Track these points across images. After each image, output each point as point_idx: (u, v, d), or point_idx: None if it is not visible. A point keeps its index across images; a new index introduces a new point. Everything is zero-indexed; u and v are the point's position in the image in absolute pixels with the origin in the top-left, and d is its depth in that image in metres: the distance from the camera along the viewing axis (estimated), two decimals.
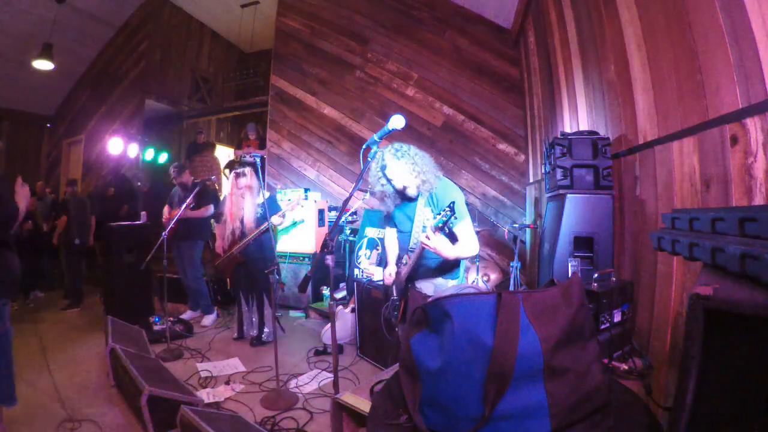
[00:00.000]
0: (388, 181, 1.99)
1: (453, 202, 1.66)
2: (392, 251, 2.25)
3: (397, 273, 2.14)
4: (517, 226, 3.70)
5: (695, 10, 1.44)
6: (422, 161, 1.94)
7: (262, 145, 6.12)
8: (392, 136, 1.77)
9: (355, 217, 4.57)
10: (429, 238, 1.72)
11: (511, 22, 4.53)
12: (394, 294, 2.16)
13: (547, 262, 2.13)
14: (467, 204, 2.15)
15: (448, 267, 2.04)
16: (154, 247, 3.31)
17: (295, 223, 4.37)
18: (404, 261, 2.09)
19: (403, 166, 1.91)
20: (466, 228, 1.92)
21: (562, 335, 0.76)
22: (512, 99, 4.69)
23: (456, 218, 1.75)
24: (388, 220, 2.23)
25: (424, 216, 1.99)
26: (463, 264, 2.14)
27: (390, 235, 2.28)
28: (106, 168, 7.02)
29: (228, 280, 3.78)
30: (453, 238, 1.89)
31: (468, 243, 1.91)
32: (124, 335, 2.83)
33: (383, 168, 1.98)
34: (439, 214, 1.67)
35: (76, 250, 4.78)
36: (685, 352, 0.75)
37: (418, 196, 2.00)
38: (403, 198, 2.04)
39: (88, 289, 4.92)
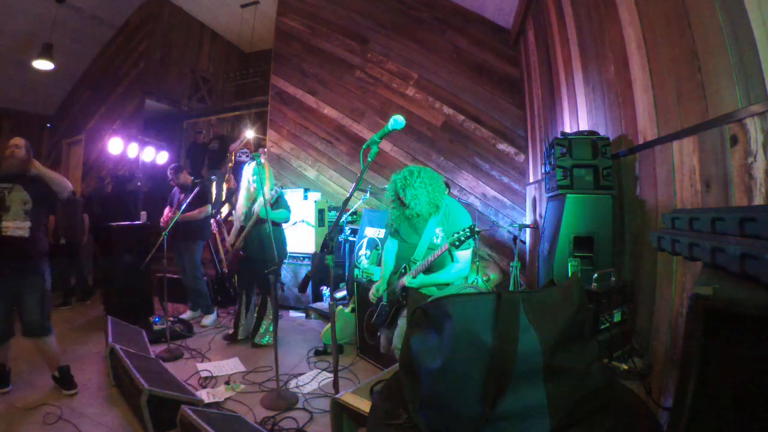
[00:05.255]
0: (401, 204, 2.07)
1: (473, 225, 1.80)
2: (388, 265, 2.26)
3: (391, 283, 2.17)
4: (517, 226, 3.70)
5: (695, 10, 1.44)
6: (435, 187, 2.01)
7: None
8: (392, 136, 1.80)
9: (355, 217, 4.57)
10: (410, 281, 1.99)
11: (510, 22, 4.53)
12: (384, 300, 2.18)
13: (547, 262, 2.13)
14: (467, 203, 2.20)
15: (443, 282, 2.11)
16: (154, 247, 3.31)
17: (294, 222, 4.36)
18: (401, 270, 2.11)
19: (418, 193, 2.00)
20: (467, 254, 2.02)
21: (561, 335, 0.76)
22: (512, 99, 4.69)
23: (471, 241, 1.86)
24: (393, 232, 2.24)
25: (432, 233, 2.04)
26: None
27: (389, 249, 2.28)
28: (105, 168, 7.02)
29: (236, 276, 3.76)
30: (453, 257, 2.00)
31: (459, 268, 2.02)
32: (124, 335, 2.83)
33: (398, 192, 2.05)
34: (458, 232, 1.80)
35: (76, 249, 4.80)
36: (685, 352, 0.75)
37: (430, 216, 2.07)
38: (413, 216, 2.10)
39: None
